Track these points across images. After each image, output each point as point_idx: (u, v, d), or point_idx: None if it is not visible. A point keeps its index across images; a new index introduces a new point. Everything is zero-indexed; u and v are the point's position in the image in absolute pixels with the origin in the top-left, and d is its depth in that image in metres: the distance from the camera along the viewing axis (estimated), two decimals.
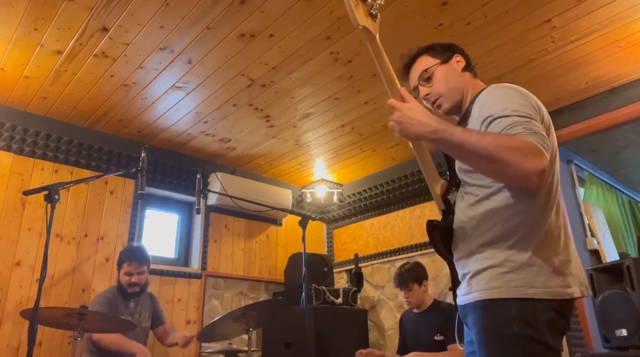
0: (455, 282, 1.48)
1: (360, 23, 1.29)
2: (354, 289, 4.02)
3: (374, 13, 1.33)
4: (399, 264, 3.31)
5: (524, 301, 1.23)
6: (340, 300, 3.89)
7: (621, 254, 3.78)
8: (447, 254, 1.47)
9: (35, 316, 1.82)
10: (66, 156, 3.46)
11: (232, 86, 3.09)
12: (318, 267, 4.05)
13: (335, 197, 4.67)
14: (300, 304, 3.49)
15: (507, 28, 2.58)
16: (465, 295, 1.36)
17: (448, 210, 1.48)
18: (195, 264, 3.94)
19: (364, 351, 3.01)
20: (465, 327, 1.46)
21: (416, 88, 1.60)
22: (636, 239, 4.18)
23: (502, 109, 1.29)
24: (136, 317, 2.98)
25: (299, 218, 2.90)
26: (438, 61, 1.56)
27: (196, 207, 2.90)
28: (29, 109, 3.35)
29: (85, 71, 2.91)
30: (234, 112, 3.41)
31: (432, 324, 2.94)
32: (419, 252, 3.95)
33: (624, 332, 2.53)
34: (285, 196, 4.40)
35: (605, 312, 2.65)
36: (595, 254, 3.42)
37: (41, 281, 1.87)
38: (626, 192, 4.54)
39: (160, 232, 4.01)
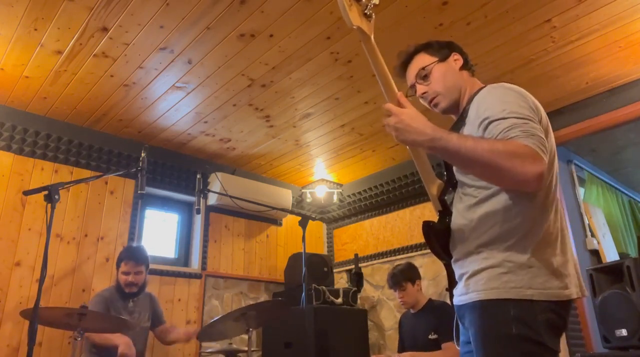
0: (452, 283, 1.48)
1: (354, 24, 1.28)
2: (354, 289, 4.02)
3: (368, 13, 1.32)
4: (398, 264, 3.32)
5: (522, 302, 1.23)
6: (340, 300, 3.89)
7: (621, 254, 3.78)
8: (443, 255, 1.47)
9: (35, 316, 1.82)
10: (66, 156, 3.46)
11: (232, 86, 3.09)
12: (318, 267, 4.05)
13: (335, 197, 4.67)
14: (300, 304, 3.49)
15: (507, 28, 2.58)
16: (462, 295, 1.35)
17: (445, 211, 1.48)
18: (195, 264, 3.94)
19: None
20: (461, 327, 1.46)
21: (413, 86, 1.58)
22: (636, 239, 4.18)
23: (500, 111, 1.28)
24: (135, 317, 2.97)
25: (299, 218, 2.90)
26: (436, 59, 1.55)
27: (196, 207, 2.90)
28: (29, 109, 3.35)
29: (85, 71, 2.91)
30: (234, 112, 3.41)
31: (427, 323, 2.98)
32: (419, 252, 3.95)
33: (624, 332, 2.53)
34: (285, 196, 4.40)
35: (605, 312, 2.65)
36: (595, 254, 3.42)
37: (41, 281, 1.87)
38: (626, 192, 4.54)
39: (160, 232, 4.00)
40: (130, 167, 3.40)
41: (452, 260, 1.44)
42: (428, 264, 3.84)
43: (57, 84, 3.05)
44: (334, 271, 4.46)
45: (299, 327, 3.50)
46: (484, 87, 1.44)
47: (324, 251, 4.86)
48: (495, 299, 1.26)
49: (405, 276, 3.07)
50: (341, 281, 4.60)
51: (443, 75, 1.53)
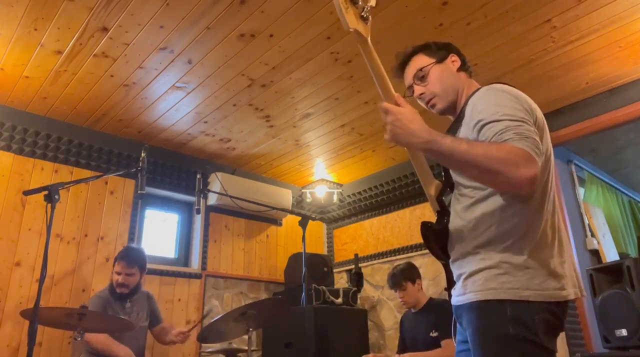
0: (450, 283, 1.48)
1: (351, 26, 1.28)
2: (354, 289, 4.02)
3: (365, 16, 1.33)
4: (398, 264, 3.32)
5: (519, 302, 1.24)
6: (340, 300, 3.89)
7: (621, 254, 3.78)
8: (442, 255, 1.47)
9: (35, 316, 1.82)
10: (66, 156, 3.46)
11: (232, 86, 3.09)
12: (318, 267, 4.05)
13: (335, 197, 4.67)
14: (300, 304, 3.50)
15: (507, 28, 2.58)
16: (460, 296, 1.36)
17: (443, 211, 1.48)
18: (195, 264, 3.94)
19: None
20: (458, 326, 1.47)
21: (410, 87, 1.59)
22: (636, 239, 4.17)
23: (493, 113, 1.28)
24: (133, 317, 2.97)
25: (299, 218, 2.90)
26: (433, 60, 1.56)
27: (196, 207, 2.90)
28: (29, 109, 3.35)
29: (85, 71, 2.91)
30: (234, 112, 3.41)
31: (428, 321, 2.99)
32: (419, 252, 3.95)
33: (624, 332, 2.53)
34: (285, 196, 4.40)
35: (605, 312, 2.65)
36: (595, 254, 3.42)
37: (41, 281, 1.87)
38: (626, 192, 4.53)
39: (160, 232, 4.00)
40: (130, 167, 3.41)
41: (450, 260, 1.45)
42: (428, 264, 3.84)
43: (57, 84, 3.05)
44: (334, 271, 4.47)
45: (299, 327, 3.50)
46: (480, 88, 1.45)
47: (324, 251, 4.86)
48: (493, 299, 1.27)
49: (405, 276, 3.08)
50: (341, 281, 4.60)
51: (440, 77, 1.54)
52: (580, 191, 3.61)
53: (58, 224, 3.29)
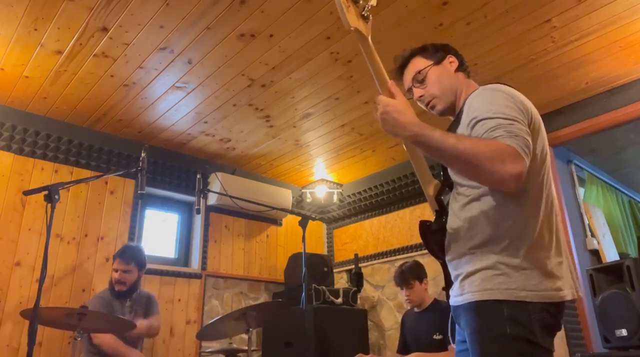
0: (448, 283, 1.49)
1: (352, 25, 1.29)
2: (354, 289, 4.02)
3: (365, 15, 1.33)
4: (399, 264, 3.31)
5: (516, 303, 1.24)
6: (340, 300, 3.89)
7: (621, 254, 3.78)
8: (440, 255, 1.48)
9: (35, 316, 1.82)
10: (66, 156, 3.46)
11: (232, 86, 3.09)
12: (318, 267, 4.05)
13: (335, 197, 4.67)
14: (300, 304, 3.49)
15: (507, 28, 2.58)
16: (458, 296, 1.37)
17: (441, 211, 1.49)
18: (195, 264, 3.94)
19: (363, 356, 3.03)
20: (457, 327, 1.48)
21: (410, 89, 1.60)
22: (636, 239, 4.17)
23: (487, 111, 1.30)
24: (132, 316, 2.97)
25: (299, 218, 2.90)
26: (431, 62, 1.57)
27: (196, 207, 2.89)
28: (29, 109, 3.35)
29: (85, 71, 2.91)
30: (234, 112, 3.41)
31: (432, 323, 2.96)
32: (419, 252, 3.95)
33: (624, 332, 2.53)
34: (285, 196, 4.40)
35: (605, 312, 2.65)
36: (595, 254, 3.42)
37: (41, 281, 1.87)
38: (626, 192, 4.53)
39: (160, 232, 4.00)
40: (130, 167, 3.40)
41: (447, 260, 1.45)
42: (428, 264, 3.81)
43: (57, 84, 3.05)
44: (334, 271, 4.47)
45: (299, 327, 3.50)
46: (478, 88, 1.46)
47: (324, 251, 4.86)
48: (490, 300, 1.27)
49: (413, 274, 3.05)
50: (341, 281, 4.60)
51: (438, 78, 1.55)
52: (580, 191, 3.61)
53: (58, 224, 3.29)
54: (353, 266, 4.21)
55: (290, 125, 3.63)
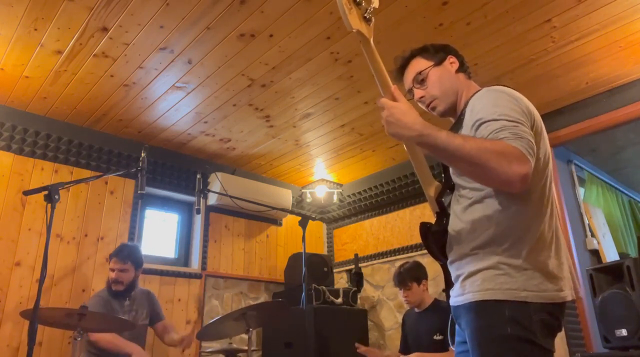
0: (448, 284, 1.49)
1: (354, 27, 1.29)
2: (354, 289, 4.02)
3: (368, 17, 1.33)
4: (399, 264, 3.31)
5: (517, 303, 1.24)
6: (340, 300, 3.89)
7: (621, 254, 3.78)
8: (440, 256, 1.48)
9: (35, 316, 1.82)
10: (66, 156, 3.46)
11: (232, 86, 3.09)
12: (318, 267, 4.05)
13: (335, 197, 4.67)
14: (300, 304, 3.49)
15: (507, 28, 2.58)
16: (458, 296, 1.37)
17: (442, 212, 1.49)
18: (195, 264, 3.94)
19: (362, 347, 3.03)
20: (457, 327, 1.48)
21: (410, 90, 1.60)
22: (636, 239, 4.17)
23: (491, 113, 1.30)
24: (132, 315, 2.97)
25: (299, 218, 2.90)
26: (432, 63, 1.56)
27: (196, 207, 2.90)
28: (29, 109, 3.35)
29: (85, 71, 2.91)
30: (234, 112, 3.41)
31: (432, 323, 2.96)
32: (419, 252, 3.95)
33: (624, 332, 2.53)
34: (285, 196, 4.40)
35: (605, 312, 2.65)
36: (595, 254, 3.42)
37: (41, 281, 1.87)
38: (626, 192, 4.53)
39: (160, 232, 4.01)
40: (130, 167, 3.40)
41: (448, 261, 1.45)
42: (427, 264, 3.81)
43: (57, 84, 3.05)
44: (334, 271, 4.47)
45: (299, 327, 3.50)
46: (480, 90, 1.45)
47: (324, 251, 4.86)
48: (491, 300, 1.27)
49: (411, 276, 3.05)
50: (341, 281, 4.60)
51: (439, 79, 1.54)
52: (580, 191, 3.61)
53: (58, 224, 3.29)
54: (353, 266, 4.21)
55: (290, 125, 3.63)
